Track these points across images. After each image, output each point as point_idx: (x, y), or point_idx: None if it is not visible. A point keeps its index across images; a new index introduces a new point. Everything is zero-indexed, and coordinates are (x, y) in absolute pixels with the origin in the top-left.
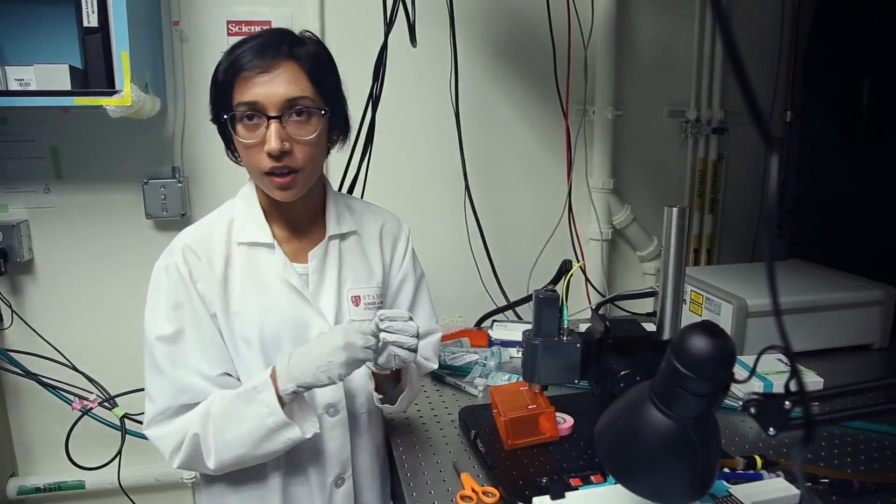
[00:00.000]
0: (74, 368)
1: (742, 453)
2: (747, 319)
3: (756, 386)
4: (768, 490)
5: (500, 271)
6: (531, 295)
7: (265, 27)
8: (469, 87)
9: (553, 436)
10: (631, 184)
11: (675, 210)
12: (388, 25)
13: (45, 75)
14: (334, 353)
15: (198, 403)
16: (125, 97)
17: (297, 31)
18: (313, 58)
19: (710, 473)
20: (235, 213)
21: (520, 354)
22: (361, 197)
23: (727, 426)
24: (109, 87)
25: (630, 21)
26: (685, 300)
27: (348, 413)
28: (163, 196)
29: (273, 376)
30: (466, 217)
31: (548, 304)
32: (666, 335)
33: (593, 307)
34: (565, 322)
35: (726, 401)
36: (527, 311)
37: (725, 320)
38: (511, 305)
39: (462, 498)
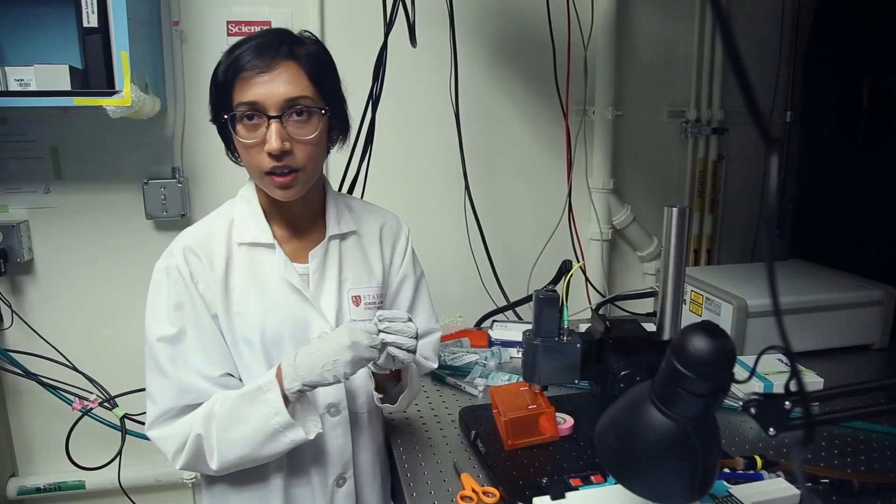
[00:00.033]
0: (75, 369)
1: (742, 453)
2: (747, 319)
3: (756, 386)
4: (768, 490)
5: (500, 271)
6: (531, 295)
7: (265, 27)
8: (469, 87)
9: (553, 436)
10: (631, 184)
11: (675, 210)
12: (388, 25)
13: (45, 75)
14: (340, 352)
15: (200, 404)
16: (125, 97)
17: (296, 31)
18: (313, 58)
19: (710, 474)
20: (236, 214)
21: (520, 354)
22: (361, 197)
23: (727, 426)
24: (109, 88)
25: (630, 21)
26: (685, 300)
27: (349, 413)
28: (163, 196)
29: (279, 376)
30: (466, 217)
31: (548, 304)
32: (666, 335)
33: (593, 307)
34: (565, 322)
35: (726, 401)
36: (527, 311)
37: (725, 320)
38: (511, 305)
39: (462, 498)
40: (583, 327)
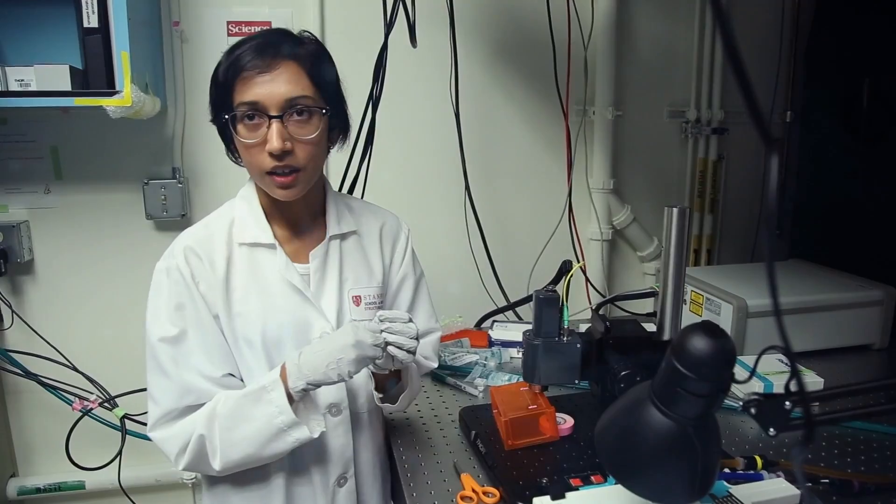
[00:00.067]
0: (75, 369)
1: (742, 453)
2: (747, 319)
3: (756, 386)
4: (768, 490)
5: (500, 271)
6: (531, 295)
7: (265, 27)
8: (469, 87)
9: (553, 436)
10: (631, 184)
11: (675, 210)
12: (388, 26)
13: (45, 76)
14: (344, 351)
15: (202, 405)
16: (125, 97)
17: (296, 32)
18: (313, 57)
19: (711, 474)
20: (236, 214)
21: (520, 355)
22: (361, 197)
23: (727, 426)
24: (109, 88)
25: (630, 21)
26: (685, 300)
27: (350, 412)
28: (163, 196)
29: (282, 375)
30: (466, 217)
31: (548, 304)
32: (666, 335)
33: (593, 307)
34: (565, 322)
35: (726, 401)
36: (527, 311)
37: (725, 320)
38: (511, 306)
39: (462, 498)
40: (583, 327)
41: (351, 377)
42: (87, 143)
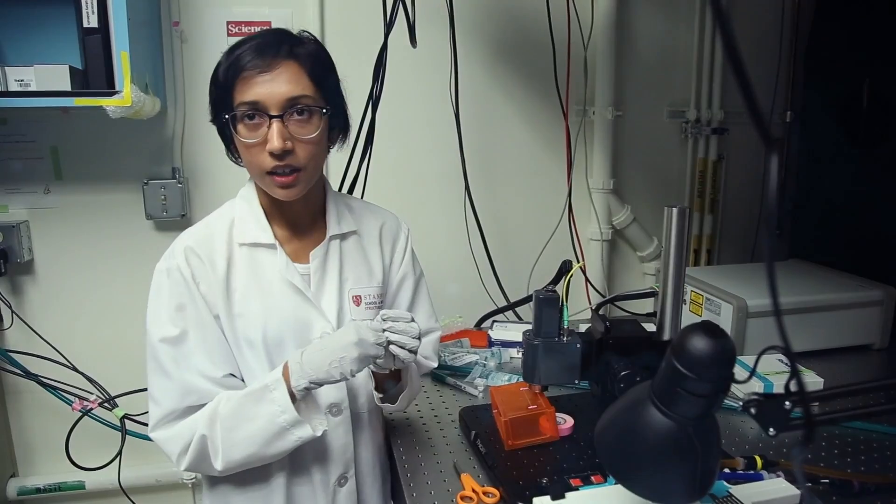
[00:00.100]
0: (74, 369)
1: (742, 453)
2: (747, 319)
3: (756, 386)
4: (768, 490)
5: (500, 271)
6: (531, 295)
7: (265, 27)
8: (469, 87)
9: (553, 436)
10: (631, 184)
11: (675, 210)
12: (388, 26)
13: (45, 76)
14: (347, 349)
15: (203, 405)
16: (125, 98)
17: (295, 32)
18: (313, 57)
19: (710, 474)
20: (236, 214)
21: (520, 355)
22: (361, 197)
23: (727, 426)
24: (109, 88)
25: (630, 21)
26: (685, 300)
27: (351, 412)
28: (163, 197)
29: (285, 374)
30: (466, 217)
31: (548, 304)
32: (666, 335)
33: (593, 307)
34: (565, 322)
35: (726, 401)
36: (527, 311)
37: (725, 320)
38: (511, 306)
39: (462, 498)
40: (583, 327)
41: (353, 376)
42: (87, 143)
